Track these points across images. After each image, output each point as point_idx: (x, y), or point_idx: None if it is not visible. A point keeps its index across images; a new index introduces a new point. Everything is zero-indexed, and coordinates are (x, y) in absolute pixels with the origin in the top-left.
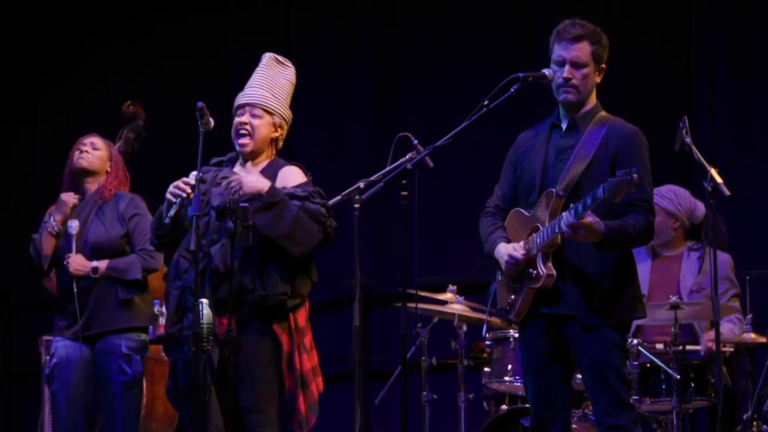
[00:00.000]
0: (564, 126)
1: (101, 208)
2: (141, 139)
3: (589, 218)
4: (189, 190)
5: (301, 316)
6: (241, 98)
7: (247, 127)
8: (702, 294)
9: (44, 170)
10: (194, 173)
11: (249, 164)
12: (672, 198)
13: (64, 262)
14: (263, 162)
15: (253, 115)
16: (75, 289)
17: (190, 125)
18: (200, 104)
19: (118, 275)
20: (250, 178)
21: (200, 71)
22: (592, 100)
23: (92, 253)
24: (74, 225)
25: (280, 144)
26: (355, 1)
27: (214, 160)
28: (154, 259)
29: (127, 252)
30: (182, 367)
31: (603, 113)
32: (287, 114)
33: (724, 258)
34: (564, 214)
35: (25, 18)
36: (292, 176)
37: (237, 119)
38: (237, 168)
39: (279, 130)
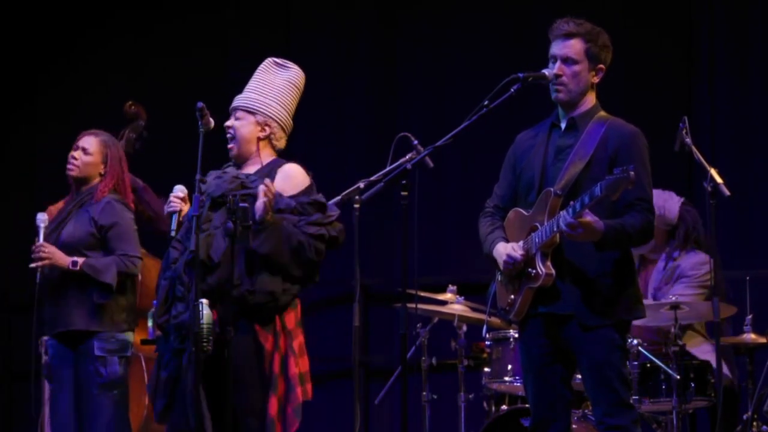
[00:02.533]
0: (563, 126)
1: (83, 207)
2: (142, 139)
3: (588, 217)
4: (178, 205)
5: (290, 319)
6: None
7: (231, 130)
8: (663, 290)
9: (44, 170)
10: (178, 186)
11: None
12: (657, 204)
13: (33, 251)
14: (256, 164)
15: (236, 118)
16: (38, 279)
17: (190, 125)
18: (200, 104)
19: (94, 274)
20: (272, 192)
21: (200, 71)
22: (591, 99)
23: (63, 251)
24: (42, 218)
25: (277, 143)
26: (355, 1)
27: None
28: (133, 265)
29: (97, 250)
30: (167, 359)
31: (602, 113)
32: (276, 112)
33: (701, 258)
34: (562, 213)
35: (24, 18)
36: (293, 178)
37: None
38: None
39: (266, 128)
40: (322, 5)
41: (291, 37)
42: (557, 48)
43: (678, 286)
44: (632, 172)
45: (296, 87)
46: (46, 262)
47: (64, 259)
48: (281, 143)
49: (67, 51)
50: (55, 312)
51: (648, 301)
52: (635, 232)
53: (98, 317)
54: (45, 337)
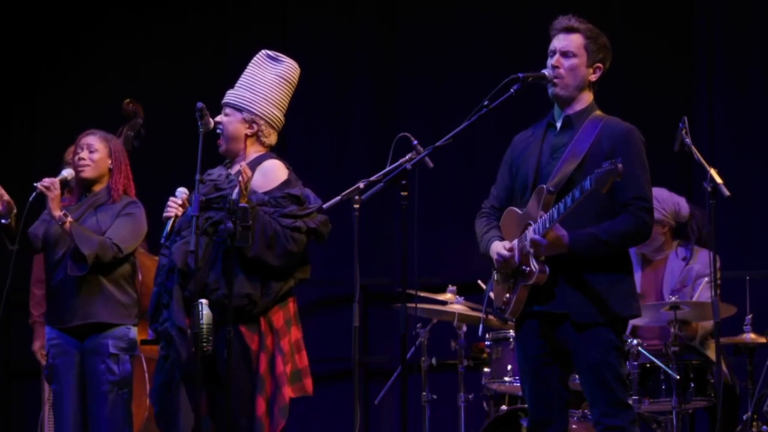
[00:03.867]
0: (558, 125)
1: (101, 206)
2: (140, 137)
3: (557, 232)
4: (174, 211)
5: (278, 318)
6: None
7: (219, 126)
8: (683, 292)
9: (43, 169)
10: (180, 190)
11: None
12: (656, 206)
13: (36, 185)
14: (241, 162)
15: (225, 114)
16: (31, 198)
17: (190, 125)
18: (200, 105)
19: (77, 239)
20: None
21: (200, 71)
22: (587, 98)
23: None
24: (69, 171)
25: (266, 140)
26: (355, 1)
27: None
28: (111, 250)
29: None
30: (160, 366)
31: (598, 112)
32: (263, 109)
33: (707, 254)
34: (530, 229)
35: (25, 17)
36: (268, 174)
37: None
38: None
39: (253, 125)
40: (321, 5)
41: (290, 37)
42: (557, 41)
43: (699, 288)
44: (620, 165)
45: (288, 82)
46: (49, 193)
47: (57, 208)
48: (270, 139)
49: (66, 50)
50: (73, 304)
51: (651, 302)
52: (615, 239)
53: (117, 310)
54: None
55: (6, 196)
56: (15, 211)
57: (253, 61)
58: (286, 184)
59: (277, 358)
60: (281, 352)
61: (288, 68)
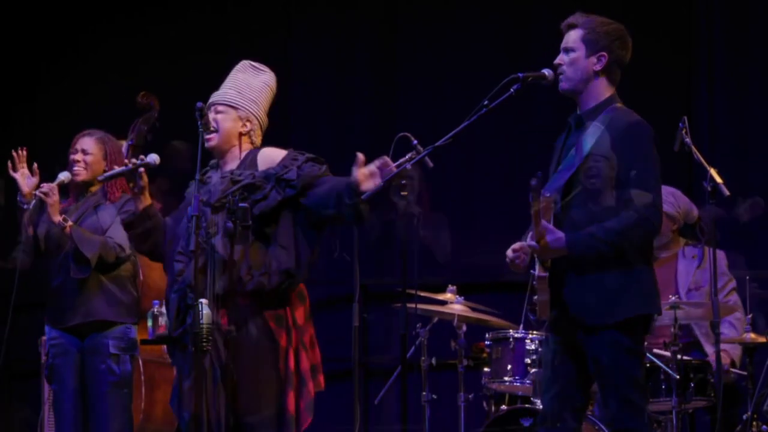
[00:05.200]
0: (573, 124)
1: (101, 205)
2: (155, 130)
3: (548, 237)
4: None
5: (300, 314)
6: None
7: (213, 124)
8: (700, 292)
9: (42, 169)
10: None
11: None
12: (672, 202)
13: (36, 193)
14: (235, 159)
15: (217, 112)
16: (31, 205)
17: (190, 125)
18: (200, 105)
19: (78, 242)
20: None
21: (200, 71)
22: (600, 91)
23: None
24: (66, 174)
25: (256, 140)
26: (355, 1)
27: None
28: (114, 251)
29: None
30: (188, 370)
31: (617, 104)
32: (256, 110)
33: (720, 254)
34: (529, 234)
35: (24, 17)
36: (274, 153)
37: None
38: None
39: (248, 123)
40: (322, 5)
41: (291, 37)
42: (562, 41)
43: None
44: (533, 182)
45: (272, 90)
46: (48, 199)
47: (57, 213)
48: (259, 140)
49: (66, 50)
50: (74, 303)
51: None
52: (615, 236)
53: (118, 309)
54: (44, 337)
55: (34, 182)
56: (35, 200)
57: (236, 68)
58: (291, 152)
59: (302, 353)
60: (304, 347)
61: (272, 78)
